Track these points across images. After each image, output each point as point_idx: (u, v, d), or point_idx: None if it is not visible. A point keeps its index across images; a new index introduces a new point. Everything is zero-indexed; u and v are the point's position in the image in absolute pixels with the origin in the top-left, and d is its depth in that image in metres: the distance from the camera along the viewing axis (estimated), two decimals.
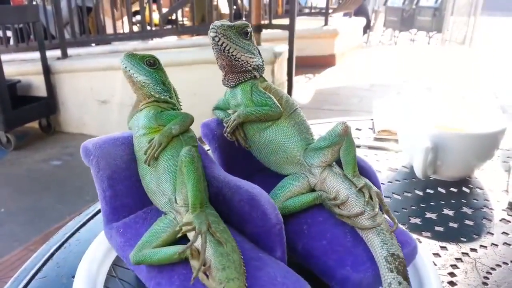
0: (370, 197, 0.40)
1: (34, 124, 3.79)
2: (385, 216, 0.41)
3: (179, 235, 0.34)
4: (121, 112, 3.56)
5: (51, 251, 0.51)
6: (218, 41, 0.44)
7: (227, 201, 0.37)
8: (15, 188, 2.91)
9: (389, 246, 0.36)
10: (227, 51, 0.45)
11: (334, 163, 0.44)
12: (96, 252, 0.44)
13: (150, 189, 0.40)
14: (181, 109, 0.47)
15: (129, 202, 0.40)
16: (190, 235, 0.34)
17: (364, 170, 0.44)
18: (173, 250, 0.33)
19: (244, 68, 0.46)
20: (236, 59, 0.45)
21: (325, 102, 3.29)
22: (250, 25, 0.48)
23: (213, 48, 0.46)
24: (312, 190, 0.43)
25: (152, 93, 0.43)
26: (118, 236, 0.37)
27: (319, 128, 0.92)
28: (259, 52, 0.49)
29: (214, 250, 0.32)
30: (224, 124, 0.47)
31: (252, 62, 0.47)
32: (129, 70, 0.43)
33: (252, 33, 0.48)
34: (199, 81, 3.04)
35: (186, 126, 0.42)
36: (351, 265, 0.35)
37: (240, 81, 0.47)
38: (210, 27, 0.44)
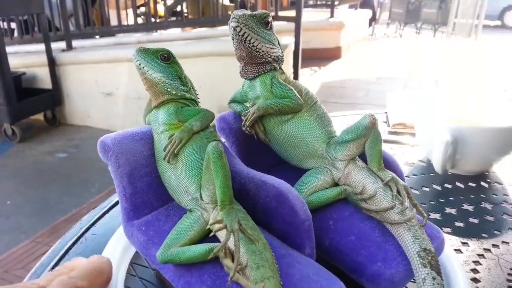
0: (398, 192, 0.39)
1: (39, 116, 3.80)
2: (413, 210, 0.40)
3: (211, 234, 0.34)
4: (126, 105, 3.55)
5: (67, 246, 0.50)
6: (240, 31, 0.43)
7: (251, 197, 0.36)
8: (21, 181, 2.92)
9: (420, 241, 0.35)
10: (248, 42, 0.43)
11: (357, 156, 0.43)
12: (114, 251, 0.43)
13: (171, 186, 0.39)
14: (199, 102, 0.46)
15: (150, 199, 0.39)
16: (221, 234, 0.33)
17: (388, 163, 0.43)
18: (203, 248, 0.32)
19: (264, 59, 0.45)
20: (257, 50, 0.44)
21: (331, 95, 3.27)
22: (270, 14, 0.46)
23: (233, 39, 0.44)
24: (336, 184, 0.42)
25: (169, 89, 0.42)
26: (140, 234, 0.37)
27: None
28: (279, 42, 0.48)
29: (246, 248, 0.31)
30: (243, 117, 0.46)
31: (273, 53, 0.45)
32: (143, 67, 0.41)
33: (272, 23, 0.47)
34: (204, 74, 3.02)
35: (207, 123, 0.41)
36: (382, 260, 0.34)
37: (259, 73, 0.46)
38: (231, 17, 0.43)
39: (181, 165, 0.39)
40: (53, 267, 0.47)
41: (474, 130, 0.62)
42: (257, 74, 0.46)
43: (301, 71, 3.51)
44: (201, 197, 0.37)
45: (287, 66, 3.36)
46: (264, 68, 0.46)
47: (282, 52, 0.48)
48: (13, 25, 4.12)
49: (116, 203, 0.59)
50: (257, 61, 0.45)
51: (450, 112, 0.72)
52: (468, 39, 6.61)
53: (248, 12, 0.44)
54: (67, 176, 2.97)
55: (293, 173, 0.44)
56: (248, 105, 0.48)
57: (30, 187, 2.81)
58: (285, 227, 0.33)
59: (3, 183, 2.88)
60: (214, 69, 3.00)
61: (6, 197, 2.67)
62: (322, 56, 4.37)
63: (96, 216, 0.55)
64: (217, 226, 0.33)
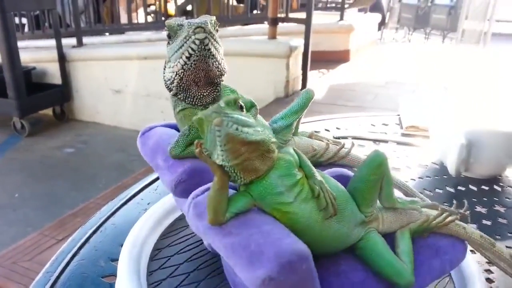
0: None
1: (48, 111, 3.83)
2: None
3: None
4: (135, 102, 3.57)
5: (88, 234, 0.51)
6: (207, 44, 0.37)
7: None
8: (29, 174, 2.94)
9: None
10: (213, 57, 0.38)
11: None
12: (137, 238, 0.44)
13: (341, 235, 0.33)
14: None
15: None
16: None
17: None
18: None
19: (220, 76, 0.41)
20: (218, 66, 0.39)
21: (339, 98, 3.27)
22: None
23: (190, 56, 0.37)
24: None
25: (271, 143, 0.31)
26: None
27: (335, 123, 0.91)
28: None
29: None
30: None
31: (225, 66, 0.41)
32: (239, 134, 0.28)
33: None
34: None
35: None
36: None
37: (216, 93, 0.42)
38: (194, 27, 0.36)
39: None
40: (73, 257, 0.48)
41: (489, 134, 0.63)
42: (215, 96, 0.40)
43: (310, 73, 3.51)
44: (365, 216, 0.35)
45: (296, 68, 3.36)
46: (218, 86, 0.40)
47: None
48: (24, 20, 4.16)
49: (134, 195, 0.60)
50: (212, 80, 0.39)
51: (464, 116, 0.72)
52: (477, 46, 6.60)
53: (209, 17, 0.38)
54: (74, 171, 2.99)
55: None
56: None
57: (38, 181, 2.84)
58: None
59: (12, 176, 2.91)
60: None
61: (14, 190, 2.70)
62: (331, 58, 4.37)
63: (115, 207, 0.56)
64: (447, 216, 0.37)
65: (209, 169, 0.36)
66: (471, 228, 0.39)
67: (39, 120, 3.80)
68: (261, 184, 0.31)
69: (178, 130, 0.43)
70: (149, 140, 0.43)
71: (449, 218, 0.38)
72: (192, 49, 0.36)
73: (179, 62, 0.37)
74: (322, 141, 0.49)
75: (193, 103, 0.39)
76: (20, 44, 3.43)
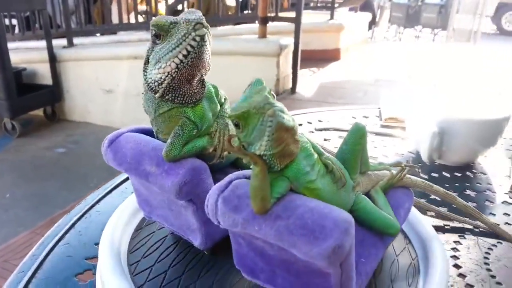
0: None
1: (39, 112, 3.83)
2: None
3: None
4: (126, 101, 3.58)
5: (73, 220, 0.53)
6: (206, 40, 0.36)
7: None
8: (20, 175, 2.94)
9: None
10: (208, 52, 0.38)
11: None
12: (119, 220, 0.46)
13: (347, 204, 0.37)
14: None
15: None
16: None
17: None
18: None
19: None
20: (208, 62, 0.39)
21: (330, 95, 3.30)
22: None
23: (188, 53, 0.36)
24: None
25: (298, 130, 0.34)
26: None
27: (317, 116, 0.94)
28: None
29: None
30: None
31: None
32: (285, 122, 0.30)
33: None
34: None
35: None
36: None
37: (204, 88, 0.42)
38: (194, 22, 0.35)
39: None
40: (58, 241, 0.50)
41: (459, 122, 0.66)
42: (203, 92, 0.40)
43: (300, 72, 3.54)
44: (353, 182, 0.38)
45: (287, 67, 3.39)
46: (204, 82, 0.40)
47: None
48: (14, 21, 4.15)
49: (118, 185, 0.62)
50: (202, 76, 0.39)
51: (440, 107, 0.75)
52: (467, 44, 6.67)
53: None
54: (66, 171, 3.00)
55: None
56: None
57: (29, 181, 2.84)
58: None
59: (2, 177, 2.91)
60: (218, 67, 3.03)
61: (5, 190, 2.70)
62: (321, 57, 4.41)
63: (100, 195, 0.58)
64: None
65: (204, 167, 0.38)
66: (414, 177, 0.46)
67: (30, 121, 3.80)
68: (293, 166, 0.33)
69: (148, 134, 0.42)
70: (123, 148, 0.40)
71: (404, 172, 0.43)
72: (191, 46, 0.35)
73: (173, 61, 0.36)
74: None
75: (183, 101, 0.38)
76: (10, 45, 3.43)
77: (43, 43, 3.65)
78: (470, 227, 0.55)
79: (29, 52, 3.96)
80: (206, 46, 0.36)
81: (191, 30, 0.35)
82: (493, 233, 0.53)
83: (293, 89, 3.42)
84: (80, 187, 2.68)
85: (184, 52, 0.35)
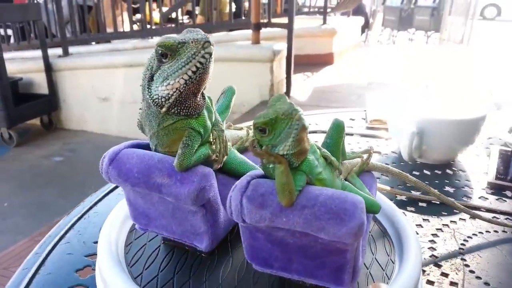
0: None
1: (36, 121, 3.86)
2: None
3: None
4: (122, 109, 3.61)
5: (73, 221, 0.56)
6: (211, 56, 0.38)
7: None
8: (18, 183, 2.97)
9: None
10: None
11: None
12: (115, 219, 0.49)
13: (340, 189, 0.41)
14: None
15: None
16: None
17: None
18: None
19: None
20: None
21: (323, 99, 3.34)
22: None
23: (198, 70, 0.38)
24: None
25: None
26: None
27: (312, 119, 0.98)
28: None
29: None
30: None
31: None
32: (306, 124, 0.35)
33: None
34: None
35: None
36: None
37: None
38: (203, 41, 0.37)
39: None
40: (59, 240, 0.54)
41: (437, 122, 0.69)
42: (204, 102, 0.42)
43: (294, 77, 3.58)
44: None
45: (280, 72, 3.44)
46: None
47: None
48: (9, 31, 4.19)
49: (114, 188, 0.65)
50: (204, 88, 0.41)
51: (422, 108, 0.79)
52: (460, 45, 6.74)
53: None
54: (63, 179, 3.02)
55: None
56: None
57: (27, 190, 2.86)
58: None
59: (0, 186, 2.93)
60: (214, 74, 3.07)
61: (3, 199, 2.72)
62: (315, 62, 4.46)
63: (98, 198, 0.61)
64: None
65: (212, 173, 0.41)
66: (374, 162, 0.50)
67: (27, 130, 3.82)
68: (307, 162, 0.37)
69: (145, 148, 0.43)
70: (127, 164, 0.41)
71: (371, 157, 0.49)
72: (200, 63, 0.37)
73: (182, 78, 0.37)
74: (241, 129, 0.54)
75: (188, 113, 0.39)
76: (6, 55, 3.46)
77: (38, 53, 3.68)
78: (448, 222, 0.58)
79: (25, 62, 3.99)
80: (212, 61, 0.38)
81: (200, 49, 0.37)
82: (470, 226, 0.57)
83: (287, 94, 3.46)
84: (78, 194, 2.70)
85: (194, 69, 0.37)
